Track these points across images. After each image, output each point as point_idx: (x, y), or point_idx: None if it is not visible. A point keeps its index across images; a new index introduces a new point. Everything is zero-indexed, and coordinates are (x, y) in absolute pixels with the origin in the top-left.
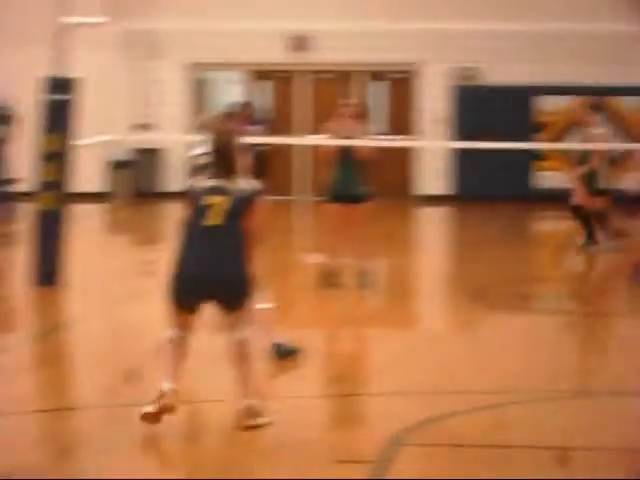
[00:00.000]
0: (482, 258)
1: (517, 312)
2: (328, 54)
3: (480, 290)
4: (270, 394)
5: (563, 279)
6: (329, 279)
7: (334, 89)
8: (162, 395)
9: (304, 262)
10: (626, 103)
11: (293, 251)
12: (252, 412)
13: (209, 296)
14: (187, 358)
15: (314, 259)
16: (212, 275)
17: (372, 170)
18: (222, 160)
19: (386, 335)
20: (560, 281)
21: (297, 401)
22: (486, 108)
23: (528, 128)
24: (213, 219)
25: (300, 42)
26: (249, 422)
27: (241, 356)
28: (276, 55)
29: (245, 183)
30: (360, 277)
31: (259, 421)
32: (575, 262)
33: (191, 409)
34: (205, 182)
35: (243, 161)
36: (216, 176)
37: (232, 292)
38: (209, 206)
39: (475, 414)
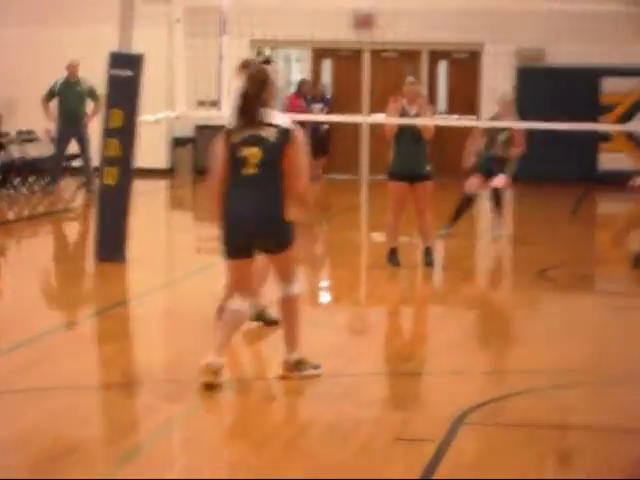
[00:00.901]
0: (547, 239)
1: (581, 293)
2: (393, 33)
3: (544, 270)
4: (332, 371)
5: (627, 261)
6: (394, 257)
7: (398, 68)
8: (203, 370)
9: (370, 240)
10: None
11: (359, 229)
12: (299, 365)
13: (255, 236)
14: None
15: (378, 237)
16: (254, 217)
17: (437, 149)
18: (249, 107)
19: (450, 314)
20: (624, 263)
21: (359, 378)
22: (551, 89)
23: (594, 110)
24: (249, 169)
25: (365, 20)
26: (297, 374)
27: (289, 312)
28: (341, 33)
29: (275, 130)
30: (425, 255)
31: (307, 373)
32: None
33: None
34: (239, 132)
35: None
36: (246, 123)
37: (273, 232)
38: (244, 158)
39: (539, 394)
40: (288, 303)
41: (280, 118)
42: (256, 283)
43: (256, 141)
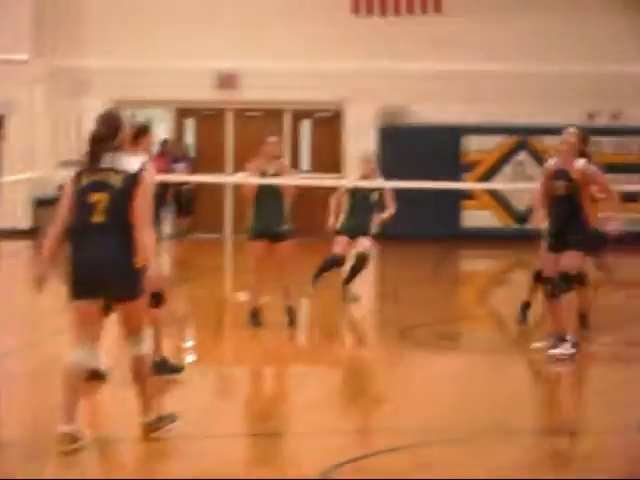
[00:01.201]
0: (410, 297)
1: (442, 351)
2: (255, 92)
3: (408, 329)
4: (195, 432)
5: (490, 318)
6: (255, 317)
7: (261, 127)
8: (60, 439)
9: (232, 300)
10: (552, 143)
11: (221, 289)
12: (158, 423)
13: (101, 284)
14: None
15: (242, 297)
16: (101, 265)
17: (297, 208)
18: (98, 150)
19: (312, 373)
20: (487, 320)
21: (222, 439)
22: (413, 148)
23: (456, 168)
24: (96, 216)
25: (228, 80)
26: (160, 433)
27: (139, 372)
28: (203, 93)
29: (122, 176)
30: (287, 315)
31: (168, 427)
32: (503, 301)
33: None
34: (87, 177)
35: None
36: (94, 168)
37: (120, 281)
38: (91, 204)
39: (400, 452)
40: (138, 363)
41: (130, 163)
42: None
43: (103, 187)
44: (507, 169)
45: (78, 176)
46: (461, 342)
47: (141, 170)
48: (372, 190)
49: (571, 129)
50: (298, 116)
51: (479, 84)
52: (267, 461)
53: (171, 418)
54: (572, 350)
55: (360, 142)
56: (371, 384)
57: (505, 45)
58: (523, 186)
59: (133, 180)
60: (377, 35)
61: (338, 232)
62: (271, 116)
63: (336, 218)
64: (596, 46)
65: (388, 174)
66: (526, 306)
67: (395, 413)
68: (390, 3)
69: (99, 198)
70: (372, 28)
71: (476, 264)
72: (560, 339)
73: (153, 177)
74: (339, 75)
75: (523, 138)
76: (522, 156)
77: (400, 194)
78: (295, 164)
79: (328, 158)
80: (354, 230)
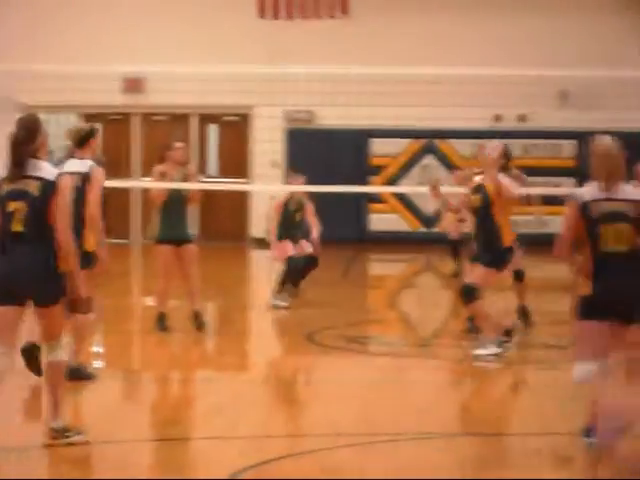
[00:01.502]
0: (318, 300)
1: (350, 354)
2: (161, 97)
3: (316, 333)
4: (101, 437)
5: (399, 321)
6: (162, 322)
7: (168, 132)
8: None
9: (139, 305)
10: (458, 146)
11: (129, 294)
12: (62, 433)
13: (22, 290)
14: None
15: (149, 302)
16: (22, 273)
17: (204, 213)
18: (17, 157)
19: (219, 378)
20: (396, 324)
21: (128, 445)
22: (321, 151)
23: (364, 171)
24: (16, 225)
25: (135, 84)
26: (63, 441)
27: (54, 378)
28: (109, 97)
29: (39, 183)
30: (194, 319)
31: (73, 439)
32: (411, 304)
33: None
34: (7, 185)
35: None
36: (14, 176)
37: (40, 286)
38: (11, 213)
39: (306, 457)
40: (54, 369)
41: (47, 170)
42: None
43: (21, 195)
44: (414, 172)
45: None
46: (369, 346)
47: (57, 179)
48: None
49: (494, 143)
50: (205, 120)
51: (387, 87)
52: (170, 467)
53: (77, 431)
54: (497, 350)
55: (267, 146)
56: (278, 389)
57: (412, 48)
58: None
59: (51, 188)
60: (284, 38)
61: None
62: (178, 120)
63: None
64: (501, 49)
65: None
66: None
67: (301, 417)
68: (296, 6)
69: (18, 206)
70: (279, 31)
71: (384, 267)
72: (486, 340)
73: (103, 180)
74: (246, 79)
75: (430, 142)
76: (429, 160)
77: (309, 196)
78: (202, 168)
79: (235, 162)
80: (289, 235)
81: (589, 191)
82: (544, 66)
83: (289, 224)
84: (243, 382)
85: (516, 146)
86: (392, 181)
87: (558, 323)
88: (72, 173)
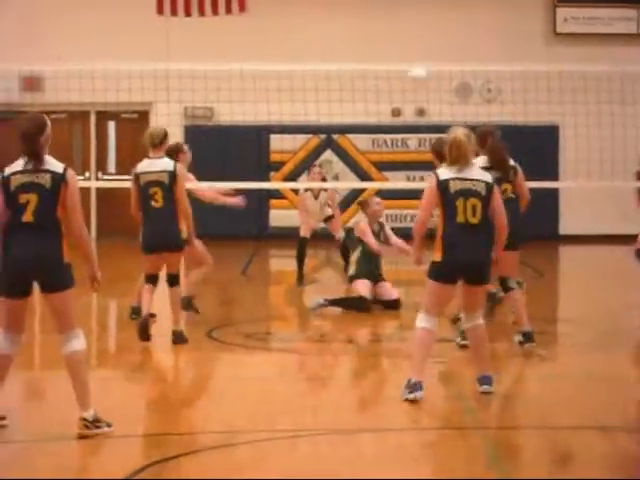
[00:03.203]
0: (217, 297)
1: (248, 351)
2: (60, 94)
3: (215, 329)
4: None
5: (299, 317)
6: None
7: (68, 130)
8: None
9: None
10: (356, 141)
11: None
12: (94, 423)
13: (31, 278)
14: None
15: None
16: (31, 261)
17: (102, 210)
18: (31, 149)
19: (117, 377)
20: (295, 320)
21: (26, 445)
22: (220, 147)
23: (264, 167)
24: (27, 216)
25: (32, 82)
26: (93, 431)
27: (77, 368)
28: (7, 95)
29: (50, 176)
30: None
31: (102, 430)
32: (309, 300)
33: None
34: (18, 177)
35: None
36: (25, 169)
37: (50, 275)
38: (23, 204)
39: (203, 455)
40: (74, 359)
41: (55, 164)
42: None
43: (33, 187)
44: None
45: (9, 177)
46: (269, 342)
47: (67, 172)
48: None
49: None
50: (104, 117)
51: (285, 84)
52: (67, 467)
53: (107, 422)
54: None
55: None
56: (176, 387)
57: (310, 44)
58: (329, 185)
59: (61, 181)
60: (183, 35)
61: None
62: (77, 118)
63: None
64: (399, 44)
65: (195, 174)
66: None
67: (201, 415)
68: (194, 3)
69: (30, 198)
70: (177, 28)
71: (284, 264)
72: None
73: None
74: (144, 75)
75: (329, 137)
76: (328, 155)
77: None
78: (102, 166)
79: (135, 159)
80: None
81: (445, 172)
82: (442, 61)
83: None
84: (143, 380)
85: (414, 140)
86: (291, 177)
87: None
88: None
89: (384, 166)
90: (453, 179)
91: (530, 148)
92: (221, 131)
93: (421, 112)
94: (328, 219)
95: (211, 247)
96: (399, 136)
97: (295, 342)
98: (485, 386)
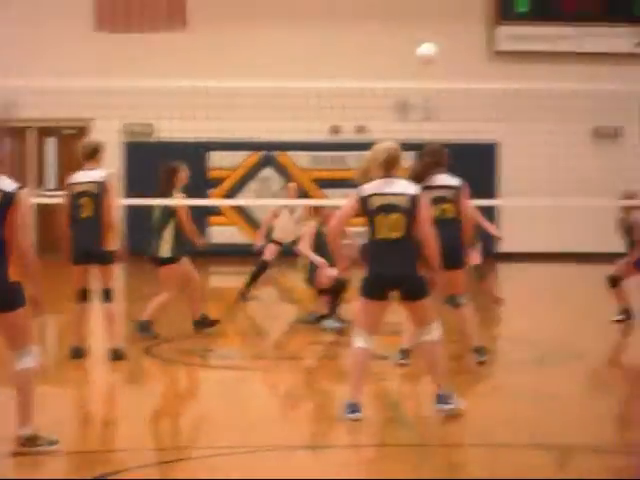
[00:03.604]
0: (159, 314)
1: (186, 367)
2: None
3: (153, 346)
4: None
5: (237, 334)
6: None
7: (7, 146)
8: None
9: None
10: (296, 159)
11: None
12: (33, 441)
13: None
14: None
15: None
16: None
17: (42, 225)
18: None
19: (54, 394)
20: (234, 336)
21: None
22: (159, 164)
23: (202, 184)
24: None
25: None
26: (31, 449)
27: (23, 384)
28: None
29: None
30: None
31: (42, 449)
32: (250, 317)
33: None
34: None
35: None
36: None
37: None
38: None
39: (136, 473)
40: (23, 376)
41: (6, 183)
42: None
43: None
44: (253, 185)
45: None
46: (208, 359)
47: (17, 191)
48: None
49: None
50: (43, 134)
51: (225, 100)
52: None
53: (49, 440)
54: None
55: (106, 159)
56: (112, 404)
57: (251, 61)
58: (269, 202)
59: (10, 199)
60: (123, 51)
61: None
62: (16, 134)
63: None
64: (339, 61)
65: (135, 191)
66: None
67: (137, 431)
68: (135, 19)
69: None
70: (118, 44)
71: (224, 280)
72: None
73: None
74: (84, 92)
75: (268, 154)
76: (268, 172)
77: (147, 211)
78: (40, 182)
79: None
80: None
81: (371, 187)
82: (382, 78)
83: None
84: (79, 398)
85: (353, 158)
86: (231, 194)
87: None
88: None
89: (324, 183)
90: (374, 195)
91: (469, 166)
92: (160, 148)
93: (360, 129)
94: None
95: (149, 264)
96: (338, 153)
97: (235, 359)
98: (440, 405)
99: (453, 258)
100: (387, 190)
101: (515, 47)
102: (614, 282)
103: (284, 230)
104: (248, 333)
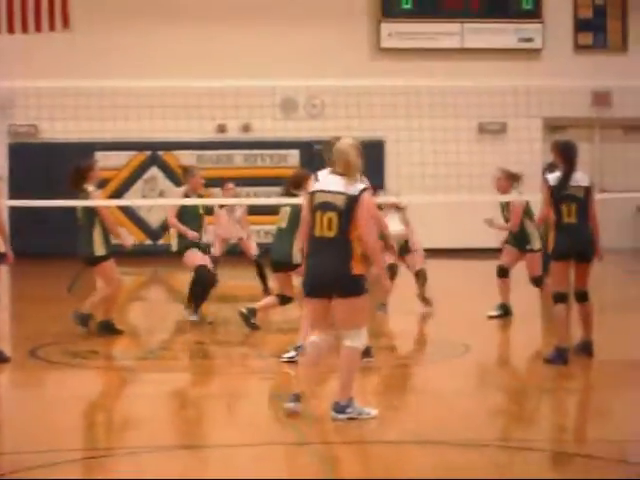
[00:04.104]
0: (41, 315)
1: (73, 369)
2: None
3: (38, 348)
4: None
5: (126, 334)
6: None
7: None
8: None
9: None
10: (182, 158)
11: None
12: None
13: None
14: None
15: None
16: None
17: None
18: None
19: None
20: (123, 337)
21: None
22: (45, 165)
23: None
24: None
25: None
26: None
27: None
28: None
29: None
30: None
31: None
32: (139, 317)
33: None
34: None
35: None
36: None
37: None
38: None
39: (26, 474)
40: None
41: None
42: None
43: None
44: (139, 185)
45: None
46: (94, 360)
47: None
48: None
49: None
50: None
51: (109, 100)
52: None
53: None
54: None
55: None
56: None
57: (134, 61)
58: (156, 201)
59: None
60: (6, 52)
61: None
62: None
63: None
64: (225, 60)
65: (19, 192)
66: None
67: (23, 434)
68: (17, 20)
69: None
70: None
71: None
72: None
73: None
74: None
75: (154, 154)
76: (153, 171)
77: (30, 212)
78: None
79: None
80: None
81: (317, 184)
82: (266, 76)
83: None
84: None
85: (240, 156)
86: (116, 194)
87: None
88: None
89: (210, 182)
90: (317, 191)
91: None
92: (45, 149)
93: (246, 128)
94: (240, 239)
95: (34, 265)
96: (224, 152)
97: (122, 360)
98: (337, 413)
99: None
100: (327, 187)
101: (399, 44)
102: (504, 272)
103: (226, 229)
104: (135, 333)
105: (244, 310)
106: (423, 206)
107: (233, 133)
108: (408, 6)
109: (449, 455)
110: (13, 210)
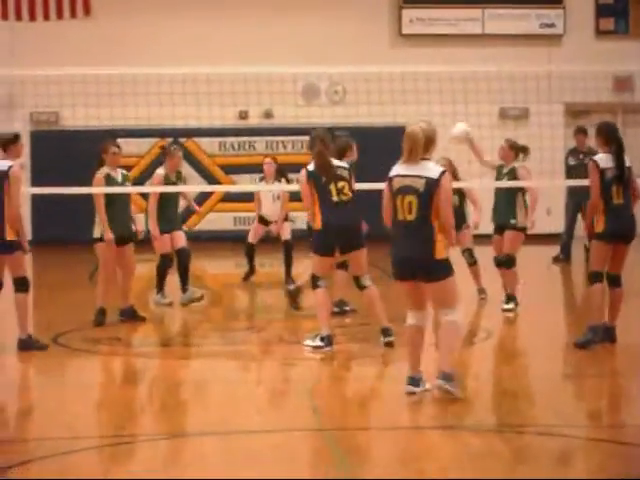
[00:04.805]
0: (64, 302)
1: (94, 356)
2: None
3: (62, 335)
4: None
5: (147, 322)
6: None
7: None
8: None
9: None
10: (204, 145)
11: None
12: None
13: None
14: None
15: None
16: None
17: None
18: None
19: None
20: (144, 325)
21: None
22: (66, 152)
23: None
24: None
25: None
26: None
27: None
28: None
29: None
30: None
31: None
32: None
33: None
34: None
35: None
36: None
37: None
38: None
39: (48, 461)
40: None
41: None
42: None
43: None
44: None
45: None
46: (117, 347)
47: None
48: None
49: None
50: None
51: (130, 88)
52: None
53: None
54: (320, 343)
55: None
56: (21, 393)
57: (155, 48)
58: (175, 188)
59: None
60: (27, 39)
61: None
62: None
63: None
64: (248, 47)
65: (41, 179)
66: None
67: (45, 421)
68: (39, 7)
69: None
70: (22, 32)
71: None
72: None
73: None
74: None
75: (175, 141)
76: None
77: (52, 199)
78: None
79: None
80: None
81: (395, 168)
82: (288, 63)
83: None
84: None
85: (261, 143)
86: (138, 181)
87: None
88: None
89: (231, 169)
90: (395, 176)
91: (376, 149)
92: (66, 136)
93: (268, 115)
94: (275, 221)
95: (57, 252)
96: (246, 139)
97: (143, 347)
98: (441, 381)
99: (355, 239)
100: (407, 172)
101: (421, 30)
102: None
103: (269, 209)
104: (156, 320)
105: (291, 287)
106: None
107: (255, 120)
108: None
109: (470, 440)
110: (34, 197)
